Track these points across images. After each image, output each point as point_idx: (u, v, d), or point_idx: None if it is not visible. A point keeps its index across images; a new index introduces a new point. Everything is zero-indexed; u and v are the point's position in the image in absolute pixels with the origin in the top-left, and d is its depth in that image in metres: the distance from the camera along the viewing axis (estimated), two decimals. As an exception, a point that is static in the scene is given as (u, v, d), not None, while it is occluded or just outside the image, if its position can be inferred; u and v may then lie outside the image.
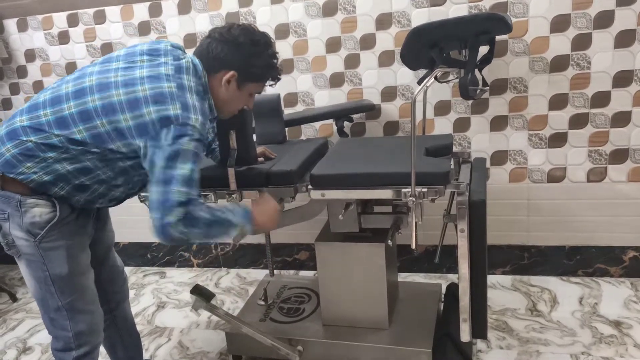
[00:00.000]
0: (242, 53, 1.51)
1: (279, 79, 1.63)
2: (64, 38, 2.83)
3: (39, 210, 1.46)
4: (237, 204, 1.62)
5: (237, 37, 1.51)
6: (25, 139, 1.42)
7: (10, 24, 2.87)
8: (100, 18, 2.75)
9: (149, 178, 1.43)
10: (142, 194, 1.78)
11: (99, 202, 1.58)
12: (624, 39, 2.21)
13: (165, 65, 1.45)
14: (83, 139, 1.42)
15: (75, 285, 1.55)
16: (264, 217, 1.59)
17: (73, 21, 2.79)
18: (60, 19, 2.80)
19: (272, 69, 1.59)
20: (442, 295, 2.24)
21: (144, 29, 2.71)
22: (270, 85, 1.65)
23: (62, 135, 1.41)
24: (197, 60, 1.52)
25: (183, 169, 1.39)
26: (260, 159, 1.91)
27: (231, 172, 1.77)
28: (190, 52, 1.56)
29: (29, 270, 1.53)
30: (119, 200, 1.65)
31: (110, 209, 1.76)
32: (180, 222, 1.39)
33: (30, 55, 2.91)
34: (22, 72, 2.96)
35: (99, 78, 1.43)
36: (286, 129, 2.26)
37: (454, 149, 2.03)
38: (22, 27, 2.87)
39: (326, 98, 2.59)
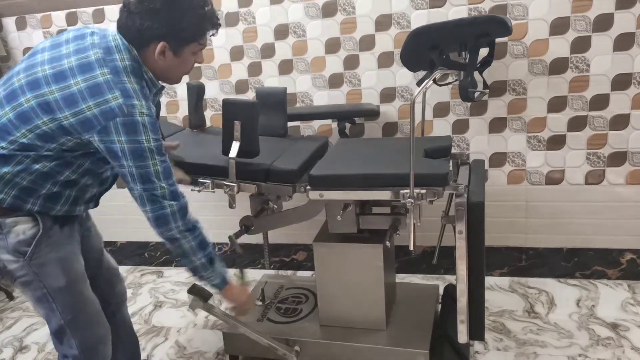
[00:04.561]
0: (163, 21, 1.38)
1: (218, 26, 1.50)
2: (63, 36, 2.83)
3: (21, 228, 1.41)
4: (226, 274, 1.65)
5: (152, 5, 1.37)
6: None
7: (9, 22, 2.87)
8: (99, 17, 2.74)
9: (118, 171, 1.41)
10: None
11: (78, 210, 1.53)
12: (623, 42, 2.22)
13: (93, 48, 1.37)
14: (30, 142, 1.34)
15: (75, 297, 1.51)
16: (233, 299, 1.71)
17: (72, 20, 2.79)
18: (59, 18, 2.80)
19: (204, 22, 1.45)
20: (440, 297, 2.24)
21: (143, 28, 2.70)
22: (212, 35, 1.51)
23: (8, 145, 1.34)
24: (122, 38, 1.41)
25: (155, 164, 1.39)
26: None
27: (232, 163, 1.76)
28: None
29: (28, 293, 1.48)
30: (96, 201, 1.61)
31: (105, 209, 1.73)
32: (178, 213, 1.44)
33: (29, 53, 2.91)
34: (20, 70, 2.95)
35: (27, 75, 1.36)
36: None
37: (453, 151, 2.04)
38: (21, 25, 2.86)
39: (325, 99, 2.59)
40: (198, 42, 1.47)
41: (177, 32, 1.41)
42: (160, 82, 1.52)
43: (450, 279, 2.62)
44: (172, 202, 1.43)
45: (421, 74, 2.26)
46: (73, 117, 1.32)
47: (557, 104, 2.35)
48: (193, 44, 1.46)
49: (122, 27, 1.42)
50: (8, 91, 1.37)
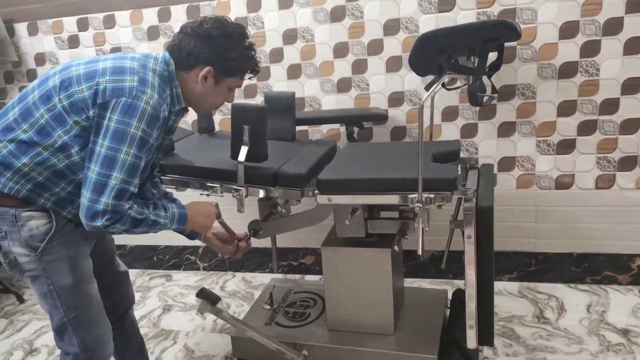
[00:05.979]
0: (216, 47, 1.47)
1: (257, 71, 1.60)
2: (73, 42, 2.86)
3: (35, 223, 1.44)
4: (175, 205, 1.56)
5: (210, 31, 1.47)
6: None
7: (21, 28, 2.90)
8: (109, 22, 2.77)
9: (90, 147, 1.37)
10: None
11: None
12: (633, 46, 2.20)
13: (131, 60, 1.43)
14: (46, 123, 1.37)
15: (80, 297, 1.52)
16: (199, 220, 1.62)
17: (83, 25, 2.81)
18: (70, 23, 2.83)
19: (249, 61, 1.54)
20: (449, 301, 2.24)
21: (153, 33, 2.72)
22: (249, 79, 1.61)
23: (29, 128, 1.38)
24: (166, 53, 1.50)
25: (128, 154, 1.36)
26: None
27: (240, 167, 1.77)
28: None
29: (35, 287, 1.50)
30: None
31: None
32: (109, 214, 1.35)
33: (40, 59, 2.93)
34: (32, 75, 2.98)
35: (61, 75, 1.41)
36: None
37: (462, 155, 2.03)
38: (33, 31, 2.89)
39: (333, 103, 2.59)
40: (240, 77, 1.56)
41: (225, 60, 1.49)
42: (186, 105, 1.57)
43: (458, 283, 2.61)
44: (113, 201, 1.35)
45: (429, 78, 2.26)
46: (88, 90, 1.36)
47: (566, 108, 2.34)
48: (235, 78, 1.55)
49: (173, 46, 1.50)
50: (43, 86, 1.42)
